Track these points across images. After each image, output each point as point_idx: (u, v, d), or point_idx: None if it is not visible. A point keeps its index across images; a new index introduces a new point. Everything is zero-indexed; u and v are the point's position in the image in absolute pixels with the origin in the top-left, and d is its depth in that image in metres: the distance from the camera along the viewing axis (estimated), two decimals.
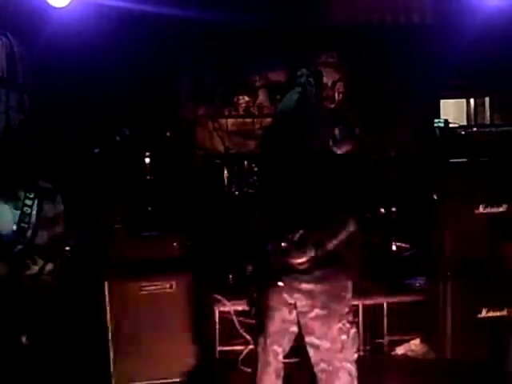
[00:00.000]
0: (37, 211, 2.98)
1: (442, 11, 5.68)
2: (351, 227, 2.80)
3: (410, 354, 4.17)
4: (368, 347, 4.22)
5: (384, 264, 4.76)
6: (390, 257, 4.86)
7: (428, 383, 3.83)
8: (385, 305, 4.28)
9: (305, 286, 2.83)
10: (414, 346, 4.20)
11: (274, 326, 2.91)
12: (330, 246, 2.74)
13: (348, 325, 2.83)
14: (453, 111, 7.01)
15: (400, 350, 4.21)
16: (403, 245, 4.89)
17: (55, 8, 4.66)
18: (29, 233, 2.95)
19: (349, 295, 2.89)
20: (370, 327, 4.29)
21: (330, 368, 2.81)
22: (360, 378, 3.07)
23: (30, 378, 2.91)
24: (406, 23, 5.81)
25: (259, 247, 2.94)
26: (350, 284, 2.89)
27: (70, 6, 4.69)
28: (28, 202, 2.96)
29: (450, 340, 3.83)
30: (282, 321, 2.90)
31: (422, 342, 4.22)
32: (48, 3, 4.61)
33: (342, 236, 2.77)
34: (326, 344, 2.80)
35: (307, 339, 2.88)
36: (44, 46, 4.91)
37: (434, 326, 4.02)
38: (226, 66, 6.10)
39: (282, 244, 2.70)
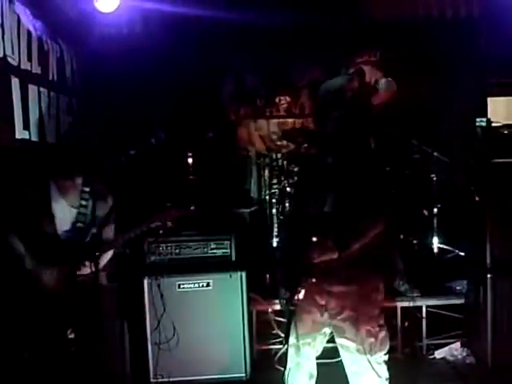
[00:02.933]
0: (91, 211, 3.10)
1: (491, 5, 5.49)
2: (378, 228, 2.79)
3: (449, 358, 4.10)
4: (407, 350, 4.18)
5: (425, 266, 4.68)
6: (431, 259, 4.78)
7: None
8: (424, 307, 4.22)
9: (336, 287, 2.84)
10: (453, 351, 4.12)
11: (305, 327, 2.93)
12: (355, 247, 2.74)
13: (377, 328, 2.82)
14: (503, 109, 6.77)
15: (439, 354, 4.14)
16: (445, 247, 4.79)
17: (103, 13, 4.82)
18: (84, 232, 3.08)
19: (380, 297, 2.88)
20: (409, 330, 4.25)
21: (360, 369, 2.83)
22: (398, 381, 3.08)
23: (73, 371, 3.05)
24: (452, 18, 5.66)
25: (289, 248, 2.98)
26: (381, 286, 2.88)
27: (117, 11, 4.83)
28: (84, 203, 3.09)
29: (491, 345, 3.74)
30: (314, 322, 2.92)
31: (461, 346, 4.15)
32: (96, 9, 4.77)
33: (369, 236, 2.77)
34: (355, 346, 2.81)
35: (338, 340, 2.89)
36: (92, 50, 5.08)
37: (475, 330, 3.94)
38: (268, 66, 6.14)
39: (313, 239, 2.72)
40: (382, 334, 2.84)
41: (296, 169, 4.78)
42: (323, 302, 2.88)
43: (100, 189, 3.19)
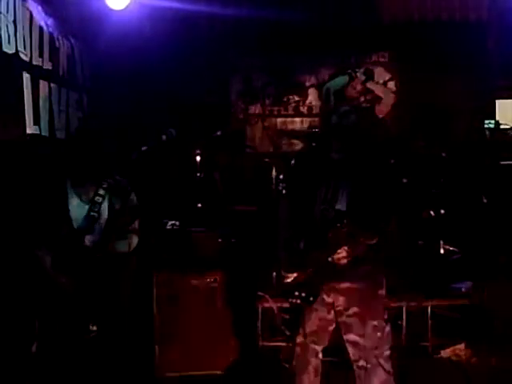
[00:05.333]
0: (108, 204, 3.07)
1: (499, 8, 5.51)
2: (387, 226, 2.82)
3: (454, 358, 4.10)
4: (411, 350, 4.19)
5: (431, 267, 4.68)
6: (437, 260, 4.79)
7: None
8: (429, 308, 4.23)
9: (343, 285, 2.88)
10: (458, 351, 4.13)
11: (312, 325, 2.96)
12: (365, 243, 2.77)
13: (383, 323, 2.87)
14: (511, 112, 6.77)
15: (444, 354, 4.14)
16: (451, 248, 4.79)
17: (113, 10, 4.85)
18: (97, 225, 3.04)
19: (383, 292, 2.93)
20: (415, 330, 4.26)
21: (368, 365, 2.86)
22: (403, 380, 3.10)
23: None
24: (461, 21, 5.67)
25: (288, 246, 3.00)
26: (384, 281, 2.93)
27: (128, 8, 4.87)
28: (101, 192, 3.05)
29: (495, 346, 3.74)
30: (321, 320, 2.95)
31: (466, 346, 4.15)
32: (107, 6, 4.80)
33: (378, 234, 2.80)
34: (363, 341, 2.85)
35: (346, 337, 2.92)
36: (102, 47, 5.11)
37: (479, 331, 3.95)
38: (276, 65, 6.15)
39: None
40: (388, 328, 2.89)
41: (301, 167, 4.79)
42: (330, 300, 2.91)
43: (119, 182, 3.15)
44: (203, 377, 3.83)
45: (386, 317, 2.90)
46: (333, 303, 2.91)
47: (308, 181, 2.98)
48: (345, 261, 2.80)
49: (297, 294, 2.87)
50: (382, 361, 2.85)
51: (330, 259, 2.80)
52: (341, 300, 2.89)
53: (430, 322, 4.22)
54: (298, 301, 2.88)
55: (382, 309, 2.91)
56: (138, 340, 3.39)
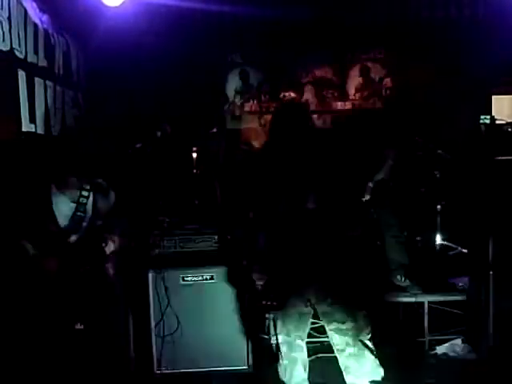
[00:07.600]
0: (92, 203, 3.13)
1: (494, 5, 5.52)
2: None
3: (450, 354, 4.11)
4: (408, 346, 4.20)
5: (428, 262, 4.70)
6: (434, 255, 4.80)
7: None
8: (426, 303, 4.24)
9: (318, 278, 2.89)
10: (455, 347, 4.13)
11: (293, 321, 3.00)
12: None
13: (361, 308, 2.94)
14: (508, 108, 6.77)
15: (440, 350, 4.15)
16: (448, 243, 4.80)
17: (109, 7, 4.83)
18: (84, 223, 3.11)
19: (361, 281, 2.96)
20: (411, 326, 4.27)
21: (355, 350, 2.89)
22: (399, 376, 3.11)
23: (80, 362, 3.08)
24: (456, 17, 5.69)
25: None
26: (362, 271, 2.96)
27: (123, 5, 4.86)
28: (84, 193, 3.11)
29: (492, 341, 3.76)
30: (300, 314, 2.99)
31: (463, 342, 4.16)
32: (102, 3, 4.79)
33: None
34: (347, 325, 2.89)
35: (330, 326, 2.97)
36: (97, 44, 5.10)
37: (476, 326, 3.96)
38: (272, 62, 6.16)
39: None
40: (363, 313, 2.94)
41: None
42: (306, 294, 2.95)
43: (100, 183, 3.22)
44: (201, 373, 3.82)
45: (364, 302, 2.97)
46: (309, 296, 2.95)
47: (272, 178, 2.96)
48: (316, 256, 2.83)
49: (269, 303, 2.89)
50: (367, 342, 2.91)
51: (302, 255, 2.82)
52: (318, 292, 2.93)
53: (426, 317, 4.24)
54: (273, 305, 2.90)
55: (361, 294, 2.96)
56: (135, 337, 3.39)
